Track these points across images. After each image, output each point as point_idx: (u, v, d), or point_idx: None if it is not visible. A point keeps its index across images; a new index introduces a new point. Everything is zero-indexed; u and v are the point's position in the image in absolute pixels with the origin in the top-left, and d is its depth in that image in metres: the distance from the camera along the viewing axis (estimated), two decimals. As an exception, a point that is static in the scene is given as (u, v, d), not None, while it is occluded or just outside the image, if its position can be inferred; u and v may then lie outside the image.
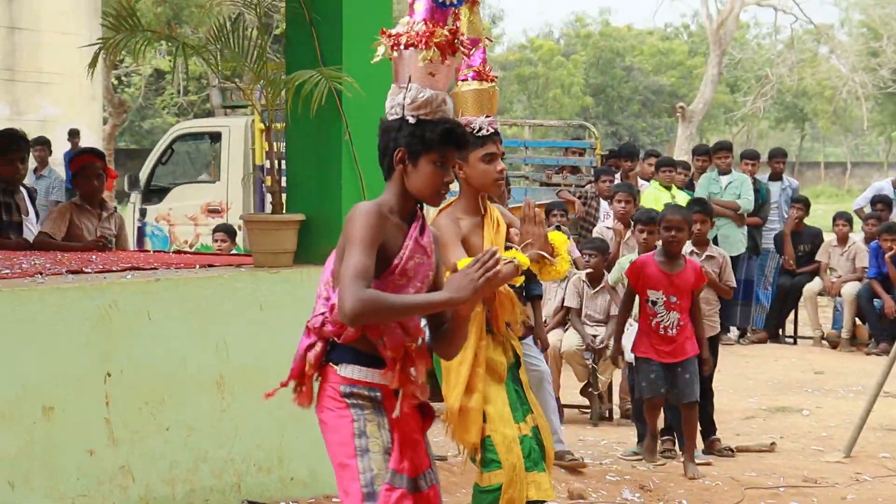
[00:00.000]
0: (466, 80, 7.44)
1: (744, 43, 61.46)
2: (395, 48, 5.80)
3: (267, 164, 13.79)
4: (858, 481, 10.87)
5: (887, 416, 13.00)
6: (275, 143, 10.89)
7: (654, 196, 17.45)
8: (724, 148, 19.94)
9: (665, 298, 10.17)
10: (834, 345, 19.19)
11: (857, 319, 19.03)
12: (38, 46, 26.85)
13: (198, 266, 9.40)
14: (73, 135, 24.64)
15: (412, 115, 5.62)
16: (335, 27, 9.90)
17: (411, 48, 5.73)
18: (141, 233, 21.57)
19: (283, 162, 10.67)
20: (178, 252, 14.74)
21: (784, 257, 19.62)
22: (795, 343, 19.95)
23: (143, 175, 22.08)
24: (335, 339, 5.59)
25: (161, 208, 21.81)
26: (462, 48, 5.85)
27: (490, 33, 7.75)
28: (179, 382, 8.39)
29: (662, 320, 10.18)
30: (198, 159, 22.98)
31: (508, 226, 7.38)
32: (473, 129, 7.15)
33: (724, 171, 19.35)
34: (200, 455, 7.34)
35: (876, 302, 18.29)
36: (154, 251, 15.37)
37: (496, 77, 7.47)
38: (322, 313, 5.63)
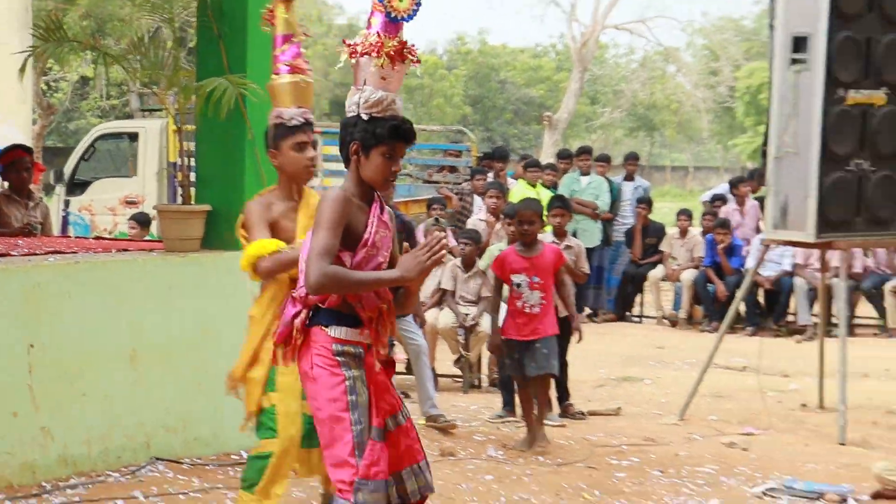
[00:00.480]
0: (280, 73, 7.24)
1: (603, 61, 62.38)
2: (353, 56, 5.98)
3: (179, 161, 13.81)
4: (690, 440, 11.12)
5: (716, 384, 13.24)
6: (185, 143, 10.92)
7: (521, 193, 17.61)
8: (585, 152, 20.87)
9: (528, 280, 10.14)
10: (673, 323, 19.74)
11: (693, 302, 19.56)
12: (-27, 54, 26.83)
13: (114, 251, 9.38)
14: None
15: (366, 113, 5.85)
16: (240, 40, 9.90)
17: (366, 56, 5.92)
18: (65, 221, 21.79)
19: (193, 159, 10.60)
20: (97, 238, 14.70)
21: (631, 251, 20.22)
22: (640, 322, 20.54)
23: (68, 170, 22.40)
24: (319, 304, 5.84)
25: (83, 199, 22.11)
26: (410, 56, 6.01)
27: (307, 30, 7.55)
28: (96, 355, 8.35)
29: (527, 300, 10.12)
30: (117, 156, 23.08)
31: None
32: (285, 120, 7.02)
33: (585, 173, 20.13)
34: (114, 419, 7.32)
35: (710, 287, 18.81)
36: (76, 237, 15.30)
37: (310, 71, 7.28)
38: (304, 285, 5.88)
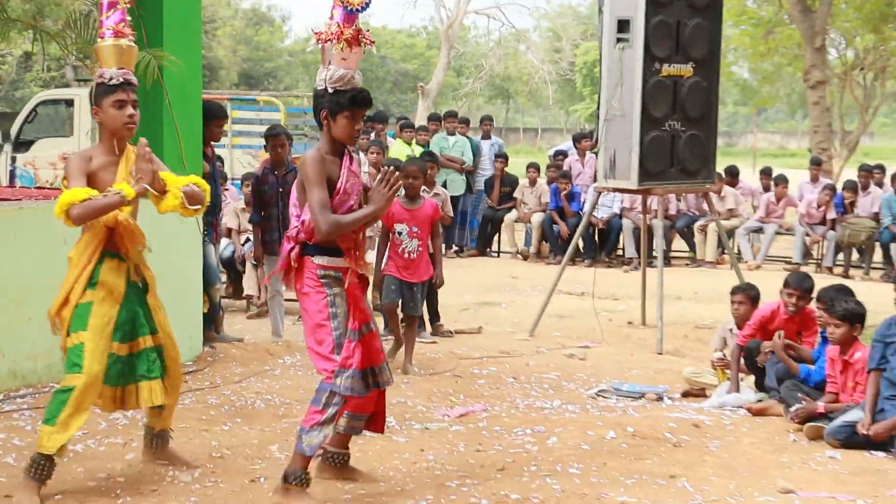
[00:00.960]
0: (104, 37, 6.65)
1: (466, 40, 62.01)
2: (319, 42, 6.42)
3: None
4: (538, 353, 11.26)
5: (559, 307, 13.36)
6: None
7: (398, 150, 18.13)
8: (451, 115, 20.95)
9: (408, 229, 10.13)
10: (525, 258, 19.68)
11: (541, 240, 19.58)
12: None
13: (53, 198, 9.09)
14: None
15: (332, 87, 6.30)
16: (157, 18, 9.78)
17: (329, 42, 6.33)
18: (12, 175, 21.82)
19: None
20: (39, 188, 14.57)
21: (490, 198, 20.16)
22: (499, 256, 20.47)
23: (14, 131, 22.39)
24: (307, 241, 6.31)
25: (28, 156, 22.18)
26: (365, 40, 6.47)
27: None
28: (38, 286, 8.24)
29: (406, 247, 10.13)
30: (56, 119, 22.86)
31: (138, 159, 6.52)
32: (106, 80, 6.49)
33: (451, 133, 20.13)
34: (55, 339, 7.26)
35: (554, 227, 18.86)
36: (21, 188, 15.13)
37: (133, 35, 6.76)
38: (296, 227, 6.36)
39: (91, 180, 6.39)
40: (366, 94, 6.39)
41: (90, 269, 6.43)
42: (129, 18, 6.78)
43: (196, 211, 6.79)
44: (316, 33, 6.48)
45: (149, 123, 9.68)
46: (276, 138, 11.31)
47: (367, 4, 6.46)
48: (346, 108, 6.29)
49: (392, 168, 6.55)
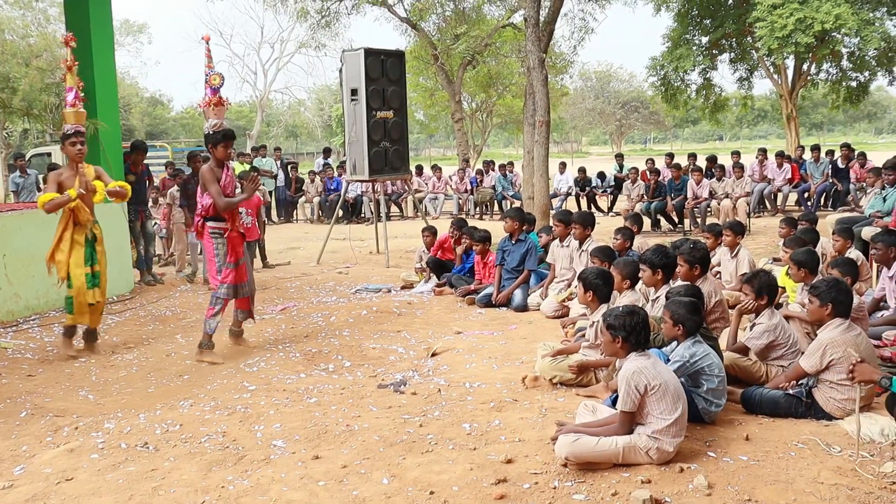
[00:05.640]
0: (67, 106, 6.79)
1: (272, 106, 58.15)
2: (201, 107, 6.74)
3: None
4: (322, 272, 10.89)
5: (331, 247, 12.80)
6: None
7: (238, 168, 16.61)
8: (262, 147, 19.41)
9: (246, 210, 9.41)
10: (312, 222, 18.48)
11: (320, 209, 18.49)
12: None
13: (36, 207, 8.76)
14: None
15: (212, 130, 6.58)
16: (92, 98, 9.39)
17: (207, 107, 6.67)
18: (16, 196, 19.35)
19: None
20: (32, 203, 13.40)
21: (290, 190, 19.10)
22: (297, 223, 19.03)
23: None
24: (205, 214, 6.58)
25: None
26: (224, 103, 6.70)
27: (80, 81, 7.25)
28: (37, 255, 7.80)
29: (245, 220, 9.99)
30: (41, 164, 18.97)
31: (95, 174, 6.90)
32: (66, 131, 6.76)
33: (263, 157, 18.53)
34: (47, 284, 7.15)
35: (327, 203, 17.99)
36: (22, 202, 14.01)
37: (81, 103, 6.87)
38: (202, 206, 6.58)
39: (60, 187, 6.70)
40: (230, 132, 6.61)
41: (66, 234, 6.72)
42: (82, 94, 6.95)
43: (120, 199, 7.11)
44: (199, 104, 6.82)
45: (95, 156, 9.48)
46: (194, 158, 10.88)
47: (222, 85, 6.74)
48: (221, 141, 6.52)
49: (254, 174, 6.73)
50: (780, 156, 16.79)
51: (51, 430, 4.83)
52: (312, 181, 19.28)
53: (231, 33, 56.50)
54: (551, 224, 9.32)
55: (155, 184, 13.43)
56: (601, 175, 18.94)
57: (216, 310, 6.67)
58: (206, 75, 6.72)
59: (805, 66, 22.57)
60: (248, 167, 15.40)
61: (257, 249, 11.31)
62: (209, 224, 6.65)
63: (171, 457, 4.29)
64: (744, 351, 5.28)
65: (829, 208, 15.54)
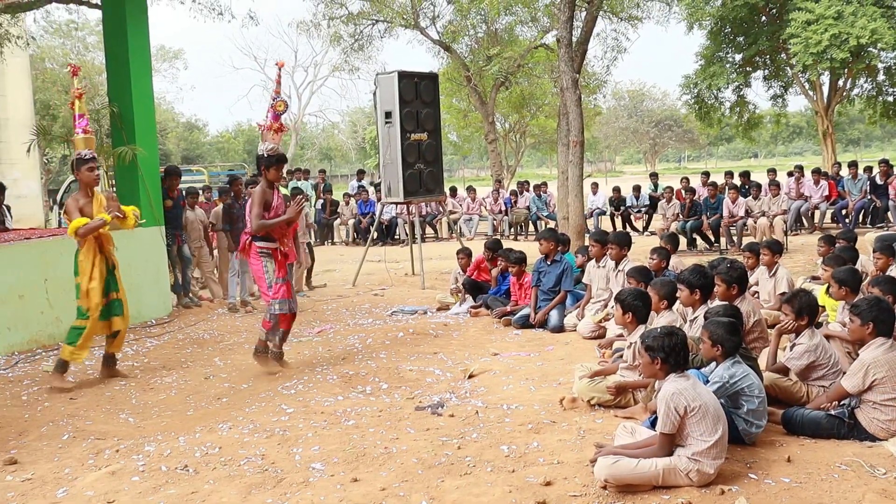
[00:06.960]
0: (78, 133, 6.74)
1: (306, 130, 60.05)
2: (261, 129, 6.80)
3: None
4: (357, 294, 10.96)
5: (367, 269, 12.90)
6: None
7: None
8: (299, 170, 20.07)
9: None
10: (347, 243, 18.74)
11: (356, 232, 18.77)
12: None
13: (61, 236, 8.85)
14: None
15: (265, 153, 6.70)
16: (131, 128, 9.61)
17: (267, 130, 6.76)
18: (60, 223, 18.90)
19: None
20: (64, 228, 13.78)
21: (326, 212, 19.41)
22: (335, 244, 19.39)
23: (59, 197, 18.34)
24: (253, 234, 6.69)
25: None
26: (284, 130, 6.81)
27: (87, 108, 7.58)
28: (63, 279, 7.61)
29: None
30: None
31: (107, 200, 6.80)
32: (82, 156, 6.68)
33: (299, 179, 18.73)
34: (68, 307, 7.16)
35: (361, 226, 18.27)
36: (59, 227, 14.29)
37: (91, 131, 6.91)
38: (248, 227, 6.72)
39: (80, 212, 6.68)
40: (283, 156, 6.76)
41: (96, 262, 6.67)
42: (88, 121, 6.94)
43: (134, 225, 7.01)
44: (259, 125, 6.92)
45: (130, 184, 9.66)
46: (235, 181, 10.66)
47: (284, 112, 6.83)
48: (275, 164, 6.68)
49: (300, 196, 6.88)
50: (817, 172, 16.61)
51: (92, 453, 4.87)
52: (347, 203, 19.38)
53: (266, 58, 56.97)
54: (587, 244, 9.28)
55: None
56: (636, 188, 18.85)
57: (272, 324, 6.81)
58: (273, 100, 6.81)
59: (840, 82, 22.32)
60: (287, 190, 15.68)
61: (305, 272, 11.35)
62: (257, 244, 6.72)
63: (211, 479, 4.30)
64: (784, 371, 5.19)
65: (868, 225, 15.33)
